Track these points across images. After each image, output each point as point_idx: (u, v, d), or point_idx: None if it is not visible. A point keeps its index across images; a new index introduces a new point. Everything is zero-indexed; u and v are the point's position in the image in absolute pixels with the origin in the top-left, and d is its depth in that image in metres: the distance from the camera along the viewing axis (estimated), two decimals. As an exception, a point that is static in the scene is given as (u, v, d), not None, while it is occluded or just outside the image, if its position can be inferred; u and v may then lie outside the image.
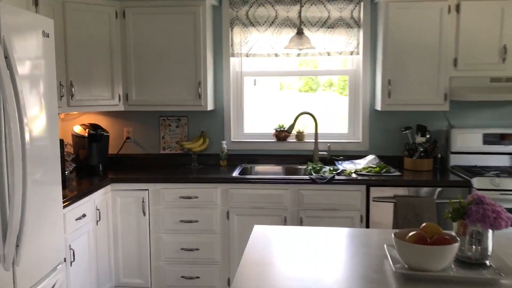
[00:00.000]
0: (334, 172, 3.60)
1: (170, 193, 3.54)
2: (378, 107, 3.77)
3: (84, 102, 3.64)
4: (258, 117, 4.34)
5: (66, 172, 3.73)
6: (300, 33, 3.68)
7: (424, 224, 1.75)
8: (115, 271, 3.60)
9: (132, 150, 4.18)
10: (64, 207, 2.86)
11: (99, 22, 3.64)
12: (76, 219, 3.02)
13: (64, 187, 3.06)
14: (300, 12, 3.80)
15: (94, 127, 3.90)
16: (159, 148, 4.17)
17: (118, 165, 4.08)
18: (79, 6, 3.54)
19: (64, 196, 2.93)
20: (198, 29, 3.69)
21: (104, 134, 3.93)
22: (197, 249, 3.56)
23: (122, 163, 4.12)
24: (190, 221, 3.54)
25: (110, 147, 4.09)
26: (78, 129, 3.89)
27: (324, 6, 3.90)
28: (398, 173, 3.56)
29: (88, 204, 3.20)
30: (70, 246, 2.92)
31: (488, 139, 3.79)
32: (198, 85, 3.74)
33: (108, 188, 3.53)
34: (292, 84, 4.43)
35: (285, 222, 3.48)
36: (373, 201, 3.42)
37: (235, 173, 3.71)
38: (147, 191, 3.55)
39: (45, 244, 2.39)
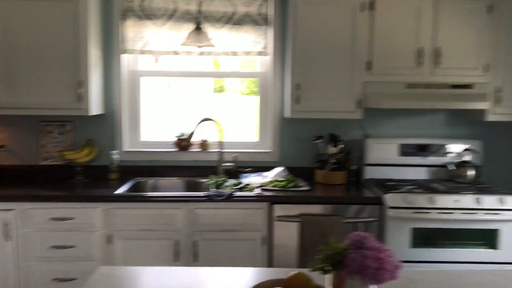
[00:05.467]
0: (235, 187, 3.17)
1: (41, 214, 2.97)
2: (288, 114, 3.38)
3: None
4: (162, 123, 3.84)
5: None
6: (198, 28, 3.23)
7: (291, 274, 1.33)
8: (-28, 308, 2.99)
9: (7, 160, 3.56)
10: None
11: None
12: None
13: None
14: (199, 4, 3.34)
15: (-47, 134, 3.26)
16: (39, 159, 3.57)
17: (-13, 179, 3.46)
18: None
19: None
20: (78, 20, 3.14)
21: (-33, 142, 3.30)
22: (73, 279, 3.01)
23: (-7, 176, 3.50)
24: (65, 247, 2.99)
25: (-19, 157, 3.47)
26: None
27: (229, 0, 3.47)
28: (306, 188, 3.18)
29: None
30: None
31: (405, 150, 3.50)
32: (78, 85, 3.19)
33: (-39, 208, 2.91)
34: (208, 85, 3.96)
35: (177, 246, 3.00)
36: (277, 220, 3.01)
37: (122, 189, 3.19)
38: (12, 211, 2.96)
39: None
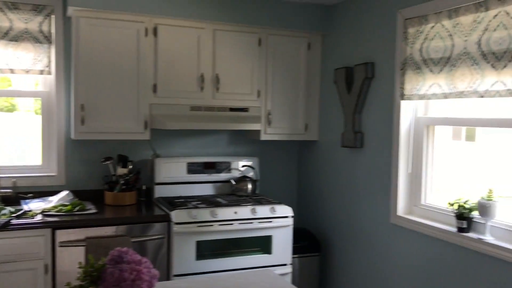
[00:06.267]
0: (12, 215, 2.94)
1: None
2: (73, 135, 3.30)
3: None
4: None
5: None
6: (-35, 43, 2.95)
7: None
8: None
9: None
10: None
11: None
12: None
13: None
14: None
15: None
16: None
17: None
18: None
19: None
20: None
21: None
22: None
23: None
24: None
25: None
26: None
27: (5, 14, 3.24)
28: (93, 211, 3.13)
29: None
30: None
31: (192, 168, 3.71)
32: None
33: None
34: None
35: None
36: (60, 246, 2.89)
37: None
38: None
39: None
